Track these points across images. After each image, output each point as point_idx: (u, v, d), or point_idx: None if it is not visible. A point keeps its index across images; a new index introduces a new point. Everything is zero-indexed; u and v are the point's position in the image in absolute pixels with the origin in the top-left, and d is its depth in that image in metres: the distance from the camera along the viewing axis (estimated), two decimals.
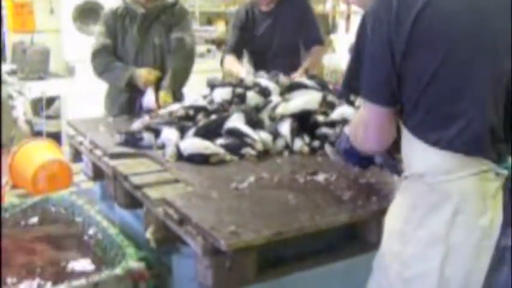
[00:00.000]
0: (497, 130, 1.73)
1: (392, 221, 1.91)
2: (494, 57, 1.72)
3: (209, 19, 8.79)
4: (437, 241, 1.75)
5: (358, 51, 1.84)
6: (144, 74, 3.70)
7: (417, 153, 1.80)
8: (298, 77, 3.64)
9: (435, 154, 1.75)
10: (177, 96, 3.84)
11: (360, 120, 1.92)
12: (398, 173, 2.08)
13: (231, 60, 4.35)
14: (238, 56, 4.42)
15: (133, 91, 3.78)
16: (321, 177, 2.45)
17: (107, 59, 3.83)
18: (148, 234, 2.28)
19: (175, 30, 3.89)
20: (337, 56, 7.61)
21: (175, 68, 3.82)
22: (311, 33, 4.42)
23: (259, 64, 4.27)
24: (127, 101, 3.85)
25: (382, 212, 2.03)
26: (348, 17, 8.31)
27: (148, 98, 3.68)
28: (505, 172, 1.75)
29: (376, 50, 1.77)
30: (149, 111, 3.50)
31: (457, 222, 1.73)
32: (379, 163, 2.23)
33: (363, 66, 1.83)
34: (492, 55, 1.72)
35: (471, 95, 1.71)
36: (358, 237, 2.28)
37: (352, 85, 1.89)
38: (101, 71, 3.85)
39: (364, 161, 2.23)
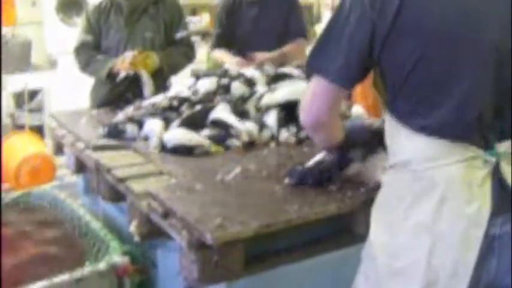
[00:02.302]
0: (485, 116, 1.70)
1: (379, 211, 1.88)
2: (480, 44, 1.69)
3: (194, 10, 8.74)
4: (424, 231, 1.72)
5: (332, 29, 1.81)
6: (118, 60, 3.65)
7: (402, 141, 1.77)
8: (272, 56, 3.73)
9: (420, 141, 1.72)
10: (165, 86, 3.80)
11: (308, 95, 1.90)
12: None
13: (221, 53, 4.32)
14: (227, 47, 4.35)
15: (126, 83, 3.72)
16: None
17: (88, 54, 3.80)
18: (133, 228, 2.23)
19: (179, 29, 3.90)
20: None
21: (175, 51, 3.82)
22: (296, 25, 4.39)
23: (244, 55, 4.22)
24: (111, 92, 3.78)
25: (371, 203, 2.00)
26: (333, 8, 8.29)
27: (146, 86, 3.63)
28: (493, 159, 1.72)
29: (356, 32, 1.73)
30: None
31: (444, 210, 1.70)
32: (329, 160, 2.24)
33: (332, 45, 1.79)
34: (478, 42, 1.69)
35: (456, 81, 1.68)
36: (346, 229, 2.24)
37: (314, 64, 1.86)
38: (83, 66, 3.83)
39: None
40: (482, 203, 1.70)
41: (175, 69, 3.95)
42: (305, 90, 1.92)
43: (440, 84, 1.69)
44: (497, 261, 1.75)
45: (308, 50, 4.70)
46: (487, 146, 1.72)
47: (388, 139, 1.86)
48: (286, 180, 2.25)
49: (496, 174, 1.72)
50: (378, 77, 1.85)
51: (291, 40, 4.34)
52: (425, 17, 1.68)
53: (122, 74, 3.63)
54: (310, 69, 1.85)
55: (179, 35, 3.90)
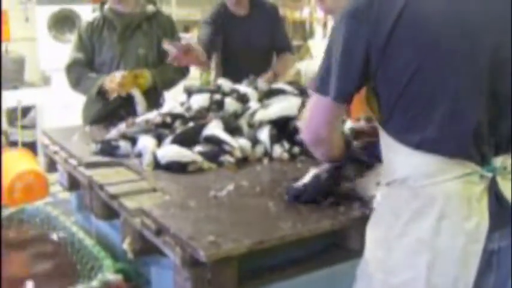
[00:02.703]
0: (482, 132, 1.70)
1: (375, 229, 1.88)
2: (477, 58, 1.69)
3: (186, 27, 8.77)
4: (423, 248, 1.71)
5: (330, 53, 1.83)
6: (107, 79, 3.61)
7: (399, 158, 1.77)
8: (267, 79, 3.66)
9: (417, 157, 1.72)
10: (158, 102, 3.80)
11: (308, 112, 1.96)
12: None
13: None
14: (209, 56, 4.20)
15: (118, 100, 3.69)
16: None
17: (79, 72, 3.77)
18: (126, 245, 2.22)
19: None
20: (314, 62, 7.61)
21: (168, 67, 3.78)
22: (283, 41, 4.44)
23: (231, 70, 4.19)
24: (103, 109, 3.77)
25: (365, 218, 2.00)
26: (325, 24, 8.34)
27: (139, 104, 3.63)
28: (489, 175, 1.72)
29: (351, 47, 1.75)
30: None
31: (442, 227, 1.69)
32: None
33: (331, 68, 1.81)
34: (474, 56, 1.69)
35: (452, 96, 1.68)
36: (339, 245, 2.24)
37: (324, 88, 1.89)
38: (74, 84, 3.79)
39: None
40: (480, 218, 1.70)
41: (168, 85, 3.93)
42: (305, 108, 1.97)
43: (435, 98, 1.69)
44: (495, 276, 1.77)
45: (294, 63, 4.76)
46: (483, 161, 1.72)
47: (384, 157, 1.86)
48: (286, 198, 2.25)
49: (493, 189, 1.72)
50: (371, 94, 1.85)
51: (278, 56, 4.37)
52: (421, 31, 1.68)
53: (112, 96, 3.62)
54: (320, 92, 1.87)
55: None
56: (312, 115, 1.92)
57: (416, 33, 1.68)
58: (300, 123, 1.97)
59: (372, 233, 1.88)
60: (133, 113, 3.54)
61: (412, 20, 1.68)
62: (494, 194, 1.73)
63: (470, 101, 1.69)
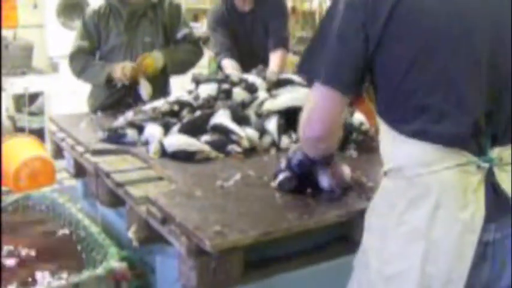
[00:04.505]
0: (479, 122, 1.69)
1: (372, 217, 1.87)
2: (475, 49, 1.68)
3: (195, 16, 8.74)
4: (418, 237, 1.70)
5: (323, 32, 1.78)
6: (118, 68, 3.62)
7: (396, 146, 1.76)
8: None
9: (414, 146, 1.70)
10: (165, 89, 3.80)
11: (310, 104, 1.85)
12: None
13: (231, 65, 4.16)
14: (233, 55, 4.23)
15: (123, 87, 3.70)
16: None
17: (83, 59, 3.77)
18: (131, 234, 2.22)
19: (179, 28, 3.88)
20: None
21: (178, 48, 3.80)
22: (277, 32, 4.31)
23: (242, 65, 4.16)
24: (110, 97, 3.77)
25: None
26: None
27: (143, 89, 3.63)
28: (486, 165, 1.70)
29: (348, 34, 1.71)
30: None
31: (438, 216, 1.68)
32: (326, 186, 2.20)
33: (324, 48, 1.76)
34: (472, 46, 1.68)
35: (449, 86, 1.67)
36: (346, 237, 2.23)
37: (305, 67, 1.84)
38: (79, 72, 3.78)
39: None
40: (476, 208, 1.69)
41: (181, 66, 3.89)
42: (305, 103, 1.89)
43: (433, 89, 1.68)
44: (490, 267, 1.75)
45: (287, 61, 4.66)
46: (480, 151, 1.71)
47: (382, 146, 1.85)
48: (272, 184, 2.24)
49: (489, 180, 1.71)
50: (369, 84, 1.84)
51: (272, 51, 4.26)
52: (417, 21, 1.67)
53: (119, 84, 3.63)
54: (303, 73, 1.83)
55: (180, 34, 3.86)
56: (314, 107, 1.82)
57: (412, 23, 1.67)
58: (303, 118, 1.87)
59: (369, 223, 1.87)
60: (139, 100, 3.54)
61: (408, 10, 1.66)
62: (490, 185, 1.71)
63: (469, 91, 1.68)
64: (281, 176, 2.23)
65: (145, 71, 3.62)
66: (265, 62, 4.12)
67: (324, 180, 2.19)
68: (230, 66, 4.14)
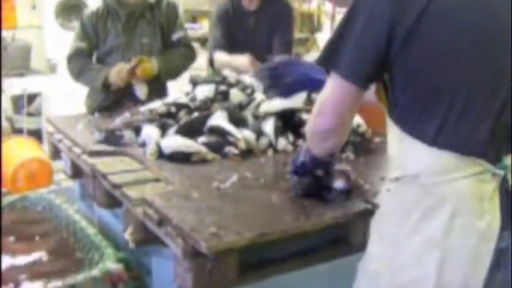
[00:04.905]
0: (498, 130, 1.67)
1: (383, 225, 1.84)
2: (500, 55, 1.66)
3: (193, 17, 8.75)
4: (434, 246, 1.69)
5: (348, 23, 1.72)
6: (114, 71, 3.63)
7: (412, 154, 1.72)
8: None
9: (432, 154, 1.67)
10: (162, 91, 3.80)
11: (323, 96, 1.79)
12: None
13: (223, 55, 4.18)
14: (228, 51, 4.25)
15: (121, 90, 3.72)
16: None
17: (81, 62, 3.78)
18: (127, 235, 2.22)
19: (175, 30, 3.88)
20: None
21: (173, 53, 3.82)
22: (282, 36, 4.30)
23: None
24: (107, 98, 3.78)
25: (367, 213, 1.98)
26: (333, 17, 8.30)
27: (139, 89, 3.64)
28: (501, 173, 1.69)
29: (374, 26, 1.65)
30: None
31: (454, 226, 1.67)
32: (338, 188, 2.16)
33: (346, 39, 1.70)
34: (497, 52, 1.66)
35: (470, 93, 1.65)
36: (343, 239, 2.23)
37: (325, 58, 1.78)
38: (77, 74, 3.80)
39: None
40: (492, 217, 1.68)
41: (174, 73, 3.91)
42: (319, 96, 1.82)
43: (455, 94, 1.65)
44: (502, 274, 1.74)
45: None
46: (496, 159, 1.69)
47: (395, 152, 1.80)
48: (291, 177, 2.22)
49: (504, 187, 1.70)
50: (380, 84, 1.81)
51: (275, 52, 4.19)
52: (448, 23, 1.62)
53: (114, 86, 3.65)
54: (322, 64, 1.78)
55: (175, 36, 3.88)
56: (329, 98, 1.75)
57: (442, 24, 1.62)
58: (316, 110, 1.80)
59: (378, 230, 1.85)
60: (137, 101, 3.55)
61: (441, 10, 1.61)
62: (504, 192, 1.71)
63: (488, 99, 1.66)
64: (292, 181, 2.22)
65: (139, 75, 3.62)
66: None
67: (340, 181, 2.15)
68: (221, 56, 4.17)
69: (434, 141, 1.67)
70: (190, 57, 4.01)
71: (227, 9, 4.32)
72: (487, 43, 1.65)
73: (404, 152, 1.75)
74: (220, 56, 4.21)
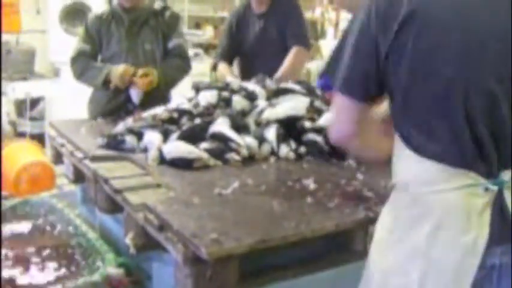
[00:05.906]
0: (487, 143, 1.65)
1: (378, 229, 1.86)
2: (484, 67, 1.64)
3: (197, 23, 8.77)
4: (418, 255, 1.68)
5: (345, 39, 1.79)
6: (118, 70, 3.64)
7: (404, 161, 1.74)
8: (276, 80, 3.61)
9: (420, 163, 1.68)
10: (165, 98, 3.80)
11: (333, 107, 1.89)
12: None
13: (225, 69, 4.30)
14: (230, 61, 4.39)
15: (123, 95, 3.74)
16: (306, 184, 2.39)
17: (85, 62, 3.80)
18: (128, 240, 2.22)
19: (173, 38, 3.89)
20: (325, 62, 7.59)
21: (169, 65, 3.82)
22: (294, 31, 4.30)
23: (248, 67, 4.25)
24: (110, 103, 3.79)
25: (369, 220, 1.98)
26: (337, 24, 8.33)
27: (135, 94, 3.66)
28: (495, 188, 1.66)
29: (362, 44, 1.72)
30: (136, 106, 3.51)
31: (438, 237, 1.66)
32: None
33: (343, 55, 1.78)
34: (481, 66, 1.64)
35: (455, 105, 1.63)
36: (343, 246, 2.23)
37: (328, 73, 1.86)
38: (79, 74, 3.82)
39: None
40: (479, 232, 1.65)
41: (171, 84, 3.94)
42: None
43: (438, 106, 1.65)
44: None
45: (307, 57, 4.68)
46: (489, 173, 1.66)
47: (393, 157, 1.82)
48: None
49: (498, 203, 1.67)
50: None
51: (289, 46, 4.27)
52: (427, 36, 1.62)
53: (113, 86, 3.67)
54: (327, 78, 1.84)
55: (172, 43, 3.89)
56: (335, 112, 1.88)
57: (421, 38, 1.63)
58: (332, 119, 1.92)
59: (376, 234, 1.86)
60: (134, 105, 3.58)
61: (419, 24, 1.63)
62: (499, 208, 1.67)
63: (475, 110, 1.64)
64: None
65: (140, 87, 3.64)
66: (278, 64, 4.15)
67: None
68: (224, 69, 4.25)
69: (422, 150, 1.68)
70: (185, 70, 4.00)
71: (238, 14, 4.40)
72: (470, 52, 1.63)
73: (398, 159, 1.78)
74: (222, 68, 4.32)
